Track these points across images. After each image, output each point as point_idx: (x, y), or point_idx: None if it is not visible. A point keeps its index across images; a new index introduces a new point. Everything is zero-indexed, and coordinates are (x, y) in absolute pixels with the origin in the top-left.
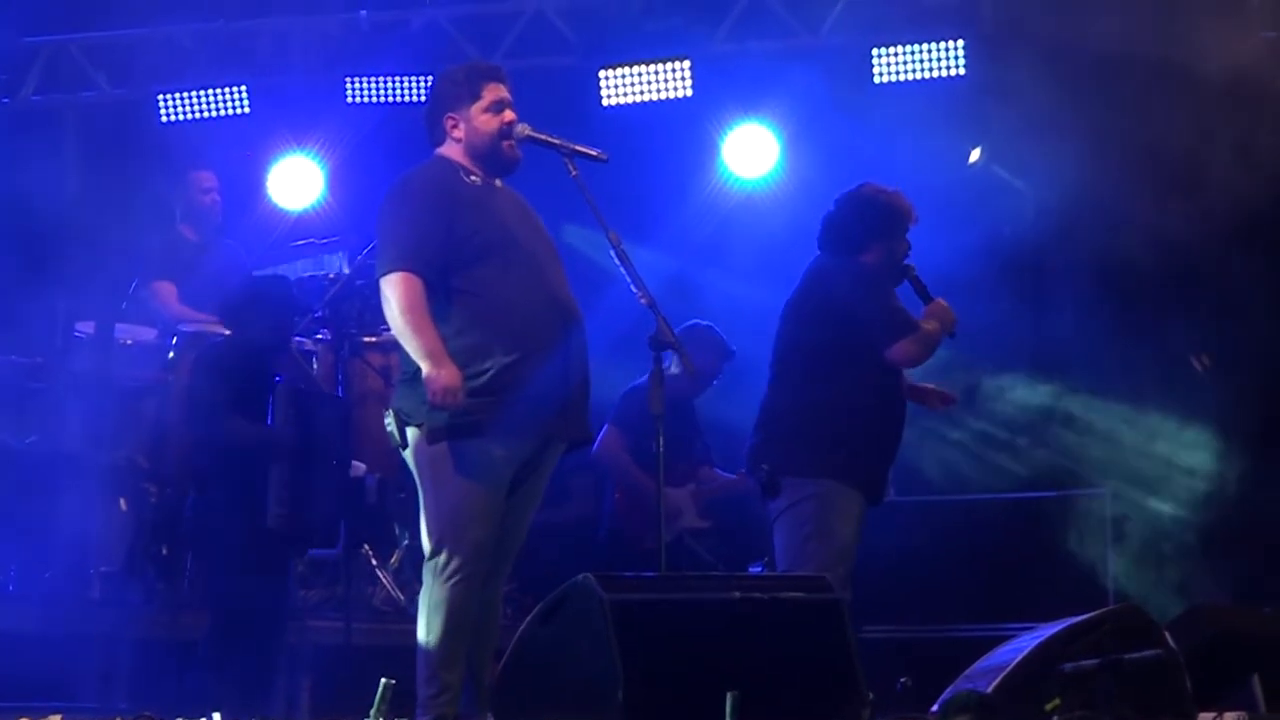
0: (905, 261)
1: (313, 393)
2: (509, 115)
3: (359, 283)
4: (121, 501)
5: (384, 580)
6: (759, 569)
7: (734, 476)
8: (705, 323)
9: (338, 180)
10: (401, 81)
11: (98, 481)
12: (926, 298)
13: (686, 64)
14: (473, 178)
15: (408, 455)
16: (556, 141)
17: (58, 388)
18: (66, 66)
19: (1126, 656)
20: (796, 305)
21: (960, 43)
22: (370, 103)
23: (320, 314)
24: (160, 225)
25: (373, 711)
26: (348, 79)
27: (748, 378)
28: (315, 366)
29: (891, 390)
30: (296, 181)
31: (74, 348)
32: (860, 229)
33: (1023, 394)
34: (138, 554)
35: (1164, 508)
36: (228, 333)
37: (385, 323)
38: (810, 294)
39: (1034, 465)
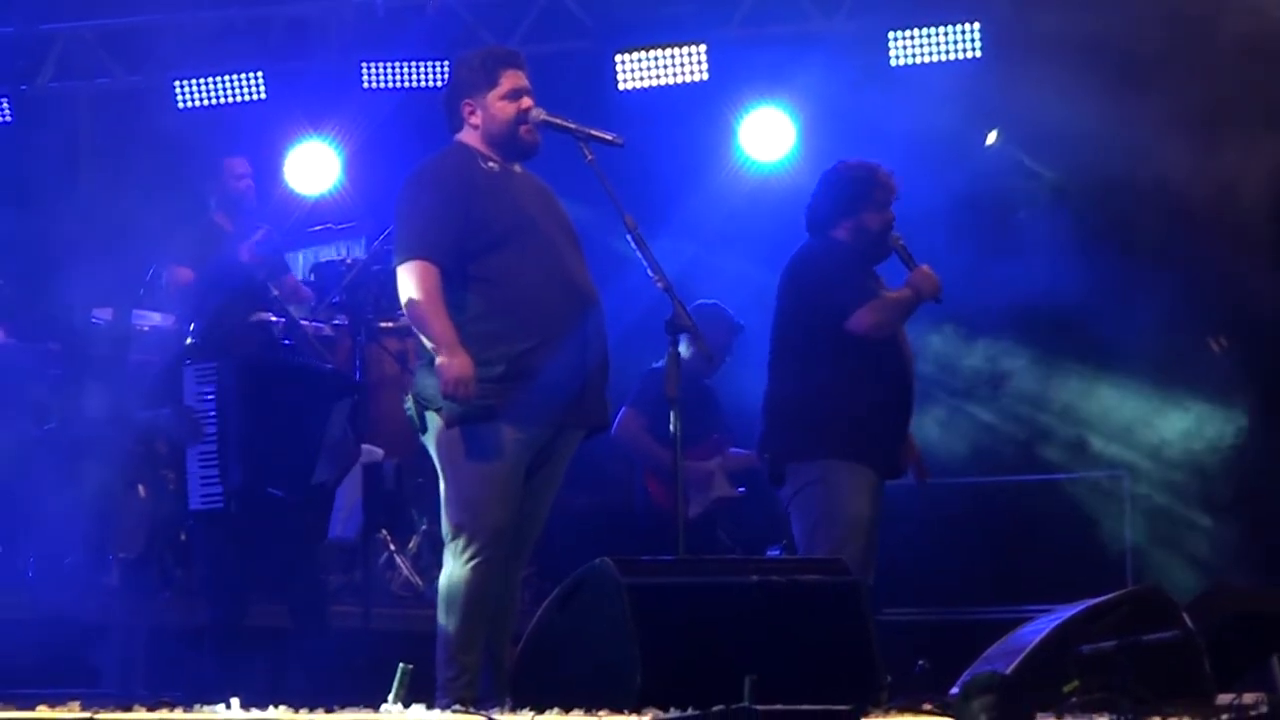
0: (891, 233)
1: (283, 364)
2: (526, 102)
3: (375, 268)
4: (140, 488)
5: (402, 565)
6: (777, 552)
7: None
8: (711, 301)
9: (354, 165)
10: (418, 66)
11: (116, 468)
12: (911, 266)
13: (702, 48)
14: (491, 164)
15: (427, 440)
16: (572, 126)
17: (76, 374)
18: (82, 54)
19: (1145, 638)
20: (778, 291)
21: (976, 25)
22: (386, 88)
23: (337, 300)
24: (194, 215)
25: (391, 695)
26: (364, 64)
27: (764, 361)
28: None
29: (882, 361)
30: (313, 167)
31: (91, 334)
32: (828, 206)
33: (1035, 373)
34: (156, 541)
35: (1182, 487)
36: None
37: (402, 308)
38: (786, 278)
39: (1051, 445)
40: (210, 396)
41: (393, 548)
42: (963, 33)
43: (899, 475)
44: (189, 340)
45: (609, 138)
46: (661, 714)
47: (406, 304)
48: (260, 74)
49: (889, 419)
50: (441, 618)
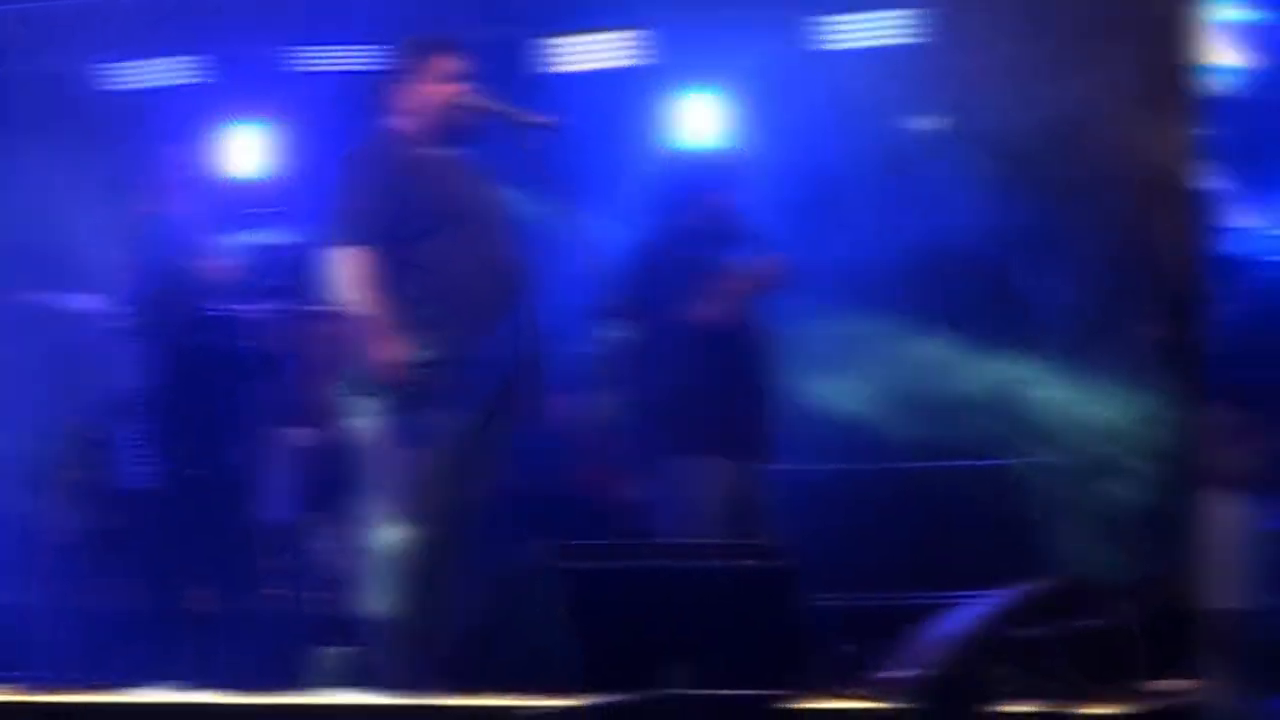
0: None
1: (202, 345)
2: (458, 86)
3: (309, 252)
4: (71, 470)
5: (334, 548)
6: None
7: None
8: None
9: (288, 150)
10: (351, 50)
11: (47, 450)
12: None
13: (639, 32)
14: (424, 149)
15: (358, 424)
16: (505, 110)
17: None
18: (5, 34)
19: (1076, 625)
20: None
21: (914, 10)
22: (320, 71)
23: (270, 284)
24: (125, 199)
25: (324, 682)
26: (297, 47)
27: None
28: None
29: (713, 350)
30: (247, 151)
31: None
32: None
33: (959, 359)
34: (87, 524)
35: (1114, 473)
36: None
37: (334, 292)
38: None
39: (982, 432)
40: (137, 378)
41: (324, 531)
42: (901, 17)
43: (763, 456)
44: (117, 323)
45: (543, 121)
46: (596, 699)
47: (338, 289)
48: (193, 57)
49: (731, 406)
50: (374, 602)
